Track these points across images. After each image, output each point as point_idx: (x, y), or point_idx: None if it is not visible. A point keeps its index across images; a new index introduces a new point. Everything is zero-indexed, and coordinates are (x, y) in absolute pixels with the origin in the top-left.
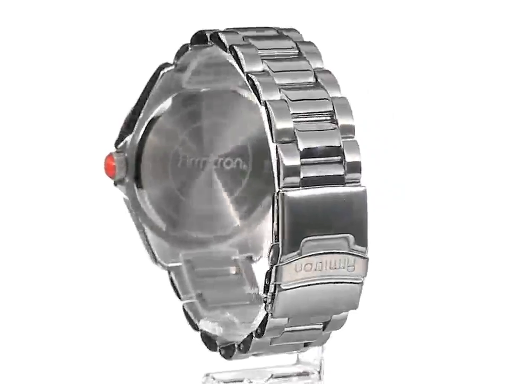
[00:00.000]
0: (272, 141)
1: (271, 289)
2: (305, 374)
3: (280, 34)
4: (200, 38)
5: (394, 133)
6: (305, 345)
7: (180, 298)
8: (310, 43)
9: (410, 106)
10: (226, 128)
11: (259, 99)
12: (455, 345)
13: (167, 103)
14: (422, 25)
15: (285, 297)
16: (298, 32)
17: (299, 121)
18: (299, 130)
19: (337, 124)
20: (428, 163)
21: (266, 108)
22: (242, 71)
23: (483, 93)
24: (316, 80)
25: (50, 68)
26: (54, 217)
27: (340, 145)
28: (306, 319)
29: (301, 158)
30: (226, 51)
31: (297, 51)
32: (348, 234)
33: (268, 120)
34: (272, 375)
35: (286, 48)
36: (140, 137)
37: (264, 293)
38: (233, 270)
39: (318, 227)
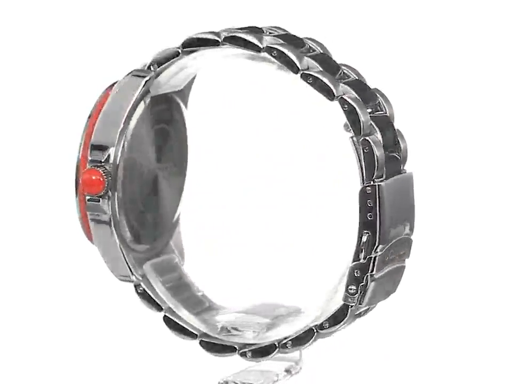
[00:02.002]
0: (359, 134)
1: (363, 280)
2: (288, 371)
3: (277, 31)
4: (196, 42)
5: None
6: None
7: (160, 309)
8: (313, 39)
9: (409, 105)
10: (169, 134)
11: (332, 94)
12: (449, 344)
13: (137, 112)
14: (419, 24)
15: (374, 287)
16: (285, 29)
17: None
18: (375, 123)
19: (386, 113)
20: (427, 162)
21: (345, 102)
22: (297, 69)
23: (482, 94)
24: (344, 73)
25: None
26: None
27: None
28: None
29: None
30: (260, 51)
31: (308, 46)
32: (408, 221)
33: (353, 114)
34: (277, 378)
35: (302, 46)
36: (120, 148)
37: (352, 285)
38: (180, 275)
39: (397, 216)
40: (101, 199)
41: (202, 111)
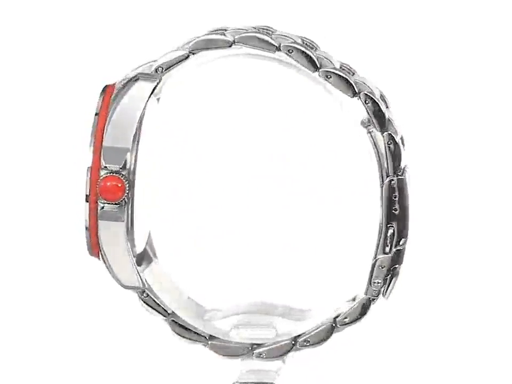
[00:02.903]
0: (382, 129)
1: (388, 273)
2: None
3: (273, 31)
4: (207, 43)
5: None
6: None
7: (165, 314)
8: (307, 38)
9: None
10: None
11: (353, 91)
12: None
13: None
14: (417, 24)
15: (396, 280)
16: (275, 29)
17: None
18: (391, 119)
19: (390, 108)
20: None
21: (368, 97)
22: (317, 67)
23: (481, 94)
24: (344, 68)
25: None
26: None
27: None
28: None
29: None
30: (275, 50)
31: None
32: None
33: (376, 109)
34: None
35: (305, 44)
36: (134, 153)
37: (377, 278)
38: (170, 279)
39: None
40: (118, 206)
41: (204, 111)
